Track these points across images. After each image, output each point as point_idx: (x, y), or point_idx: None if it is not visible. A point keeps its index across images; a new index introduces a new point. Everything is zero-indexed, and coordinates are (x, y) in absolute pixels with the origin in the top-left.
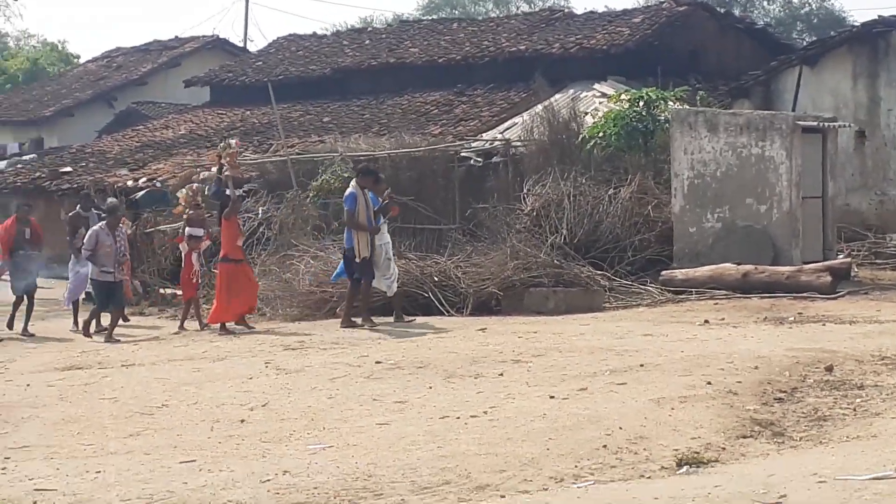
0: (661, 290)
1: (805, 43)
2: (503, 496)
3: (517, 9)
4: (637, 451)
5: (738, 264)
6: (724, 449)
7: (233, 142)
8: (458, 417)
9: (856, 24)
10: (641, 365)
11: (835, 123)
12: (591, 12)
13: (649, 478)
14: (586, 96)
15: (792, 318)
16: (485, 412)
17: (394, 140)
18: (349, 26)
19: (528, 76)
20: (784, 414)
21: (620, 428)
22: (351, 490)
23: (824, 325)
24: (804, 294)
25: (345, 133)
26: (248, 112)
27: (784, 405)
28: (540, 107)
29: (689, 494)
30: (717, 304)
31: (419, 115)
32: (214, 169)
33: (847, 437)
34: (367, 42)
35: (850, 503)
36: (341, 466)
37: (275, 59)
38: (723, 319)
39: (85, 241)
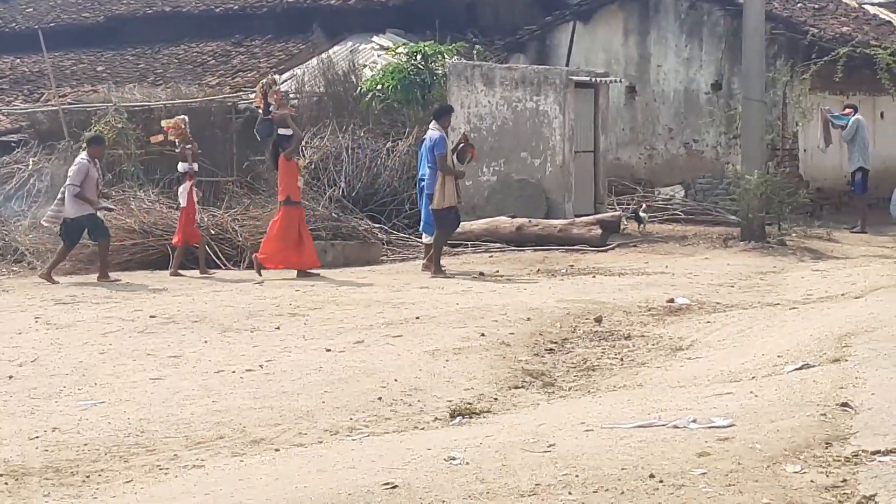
0: None
1: None
2: (277, 449)
3: None
4: (411, 402)
5: (513, 217)
6: (496, 399)
7: (278, 78)
8: (234, 371)
9: None
10: (417, 317)
11: (606, 79)
12: None
13: (423, 429)
14: (365, 49)
15: (564, 271)
16: (260, 366)
17: (170, 90)
18: None
19: (306, 28)
20: (554, 364)
21: (395, 380)
22: (123, 446)
23: (594, 277)
24: (576, 247)
25: (119, 83)
26: (18, 60)
27: (555, 356)
28: (315, 59)
29: (460, 445)
30: (492, 256)
31: (196, 66)
32: (259, 107)
33: (614, 386)
34: None
35: (614, 450)
36: (113, 422)
37: (46, 6)
38: (497, 271)
39: (73, 174)
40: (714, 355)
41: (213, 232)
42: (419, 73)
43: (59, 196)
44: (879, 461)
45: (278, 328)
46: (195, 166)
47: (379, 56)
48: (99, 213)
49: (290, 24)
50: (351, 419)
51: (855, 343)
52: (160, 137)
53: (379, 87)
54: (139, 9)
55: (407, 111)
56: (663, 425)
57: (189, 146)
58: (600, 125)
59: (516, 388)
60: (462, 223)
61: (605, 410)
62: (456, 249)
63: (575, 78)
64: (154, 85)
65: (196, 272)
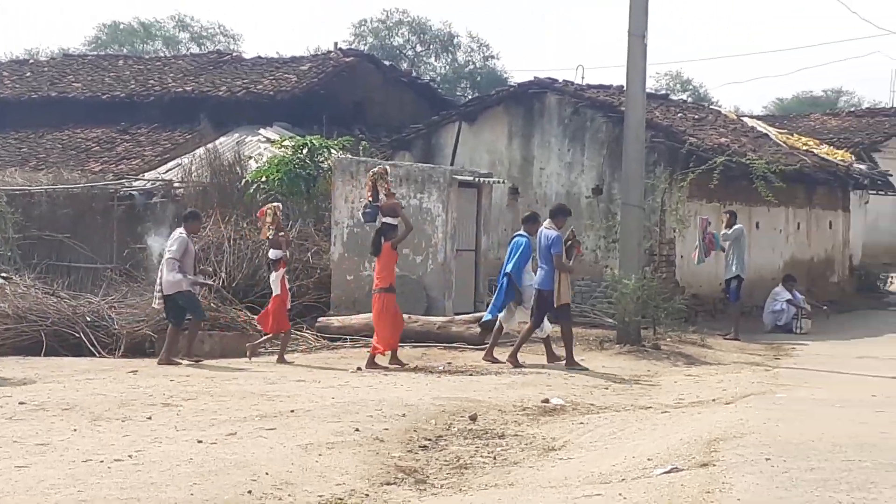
0: (318, 336)
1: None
2: None
3: (187, 50)
4: (282, 496)
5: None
6: (367, 496)
7: (388, 167)
8: (102, 461)
9: (514, 84)
10: (292, 410)
11: (490, 179)
12: (260, 57)
13: None
14: (251, 140)
15: (441, 368)
16: (129, 456)
17: (52, 175)
18: (12, 57)
19: (193, 117)
20: (428, 461)
21: (267, 473)
22: None
23: (471, 375)
24: (454, 344)
25: (0, 166)
26: None
27: (428, 452)
28: (202, 149)
29: None
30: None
31: (80, 151)
32: (368, 195)
33: (486, 485)
34: (29, 74)
35: None
36: None
37: None
38: (375, 368)
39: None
40: (586, 456)
41: (88, 319)
42: (304, 166)
43: None
44: None
45: (150, 418)
46: (287, 254)
47: (265, 148)
48: None
49: (177, 114)
50: None
51: (723, 448)
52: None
53: (264, 178)
54: (24, 93)
55: (291, 203)
56: None
57: (282, 234)
58: (482, 224)
59: (388, 484)
60: (342, 318)
61: None
62: (335, 344)
63: (459, 177)
64: (36, 169)
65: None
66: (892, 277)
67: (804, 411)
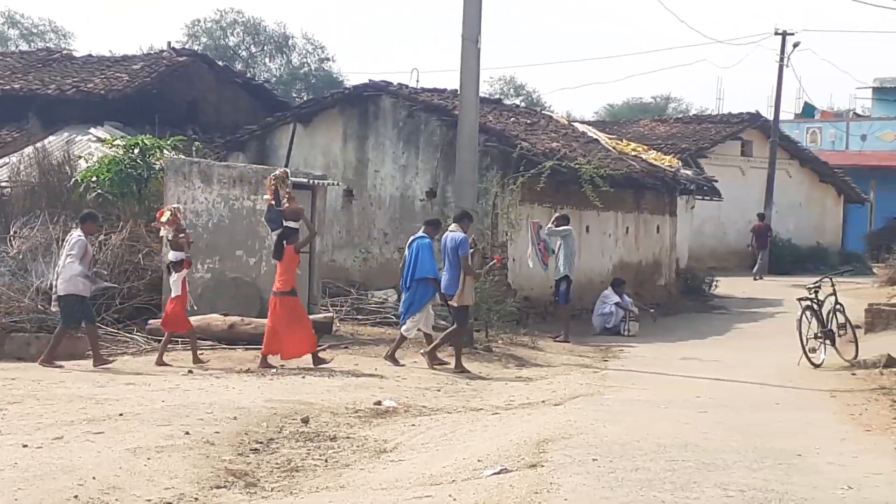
0: (148, 338)
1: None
2: None
3: (16, 47)
4: (109, 501)
5: (226, 315)
6: (196, 499)
7: (289, 171)
8: None
9: (349, 86)
10: (121, 414)
11: (324, 181)
12: (91, 56)
13: None
14: (81, 140)
15: (274, 370)
16: None
17: None
18: None
19: (21, 116)
20: (258, 464)
21: (94, 478)
22: None
23: (304, 377)
24: None
25: None
26: None
27: (259, 456)
28: (31, 148)
29: None
30: (202, 354)
31: None
32: (270, 200)
33: (317, 487)
34: None
35: None
36: None
37: None
38: (207, 370)
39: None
40: (417, 458)
41: None
42: (136, 166)
43: None
44: None
45: None
46: (189, 255)
47: (96, 148)
48: None
49: (4, 112)
50: None
51: (552, 449)
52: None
53: (94, 178)
54: None
55: (122, 204)
56: None
57: (182, 235)
58: (316, 227)
59: (218, 487)
60: None
61: None
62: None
63: (293, 179)
64: None
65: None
66: (716, 281)
67: (630, 412)
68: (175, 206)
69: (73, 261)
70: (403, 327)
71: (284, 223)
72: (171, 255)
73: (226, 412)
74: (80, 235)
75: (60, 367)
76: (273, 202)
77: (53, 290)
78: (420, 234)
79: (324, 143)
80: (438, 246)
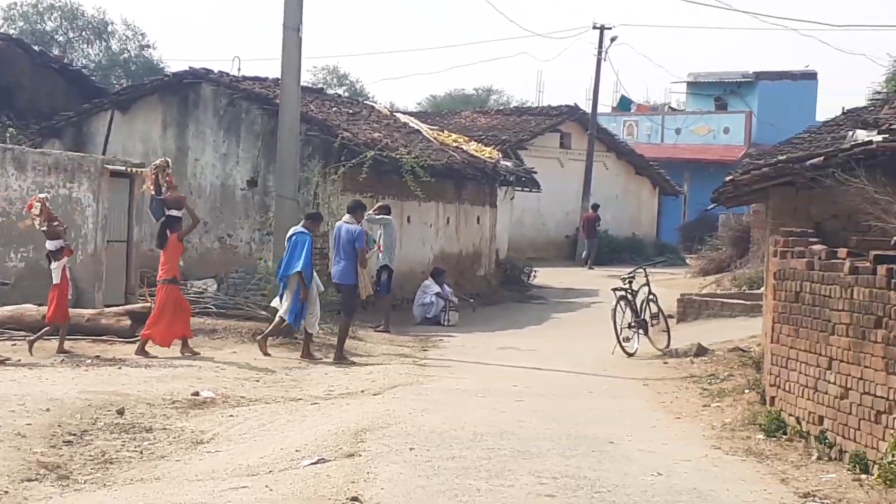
0: None
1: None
2: None
3: None
4: None
5: (39, 305)
6: (6, 493)
7: (169, 160)
8: None
9: (169, 73)
10: None
11: (142, 169)
12: None
13: None
14: None
15: (90, 361)
16: None
17: None
18: None
19: None
20: (72, 457)
21: None
22: None
23: (121, 368)
24: (104, 337)
25: None
26: None
27: (73, 448)
28: None
29: None
30: (15, 344)
31: None
32: (151, 189)
33: (131, 479)
34: None
35: None
36: None
37: None
38: (20, 360)
39: None
40: (235, 449)
41: None
42: None
43: None
44: None
45: None
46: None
47: None
48: None
49: None
50: None
51: (370, 439)
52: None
53: None
54: None
55: None
56: None
57: (56, 223)
58: (135, 215)
59: (29, 480)
60: None
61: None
62: None
63: (110, 167)
64: None
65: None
66: (535, 271)
67: (448, 401)
68: (42, 195)
69: None
70: (308, 325)
71: (166, 212)
72: (50, 245)
73: (38, 404)
74: None
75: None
76: (154, 192)
77: None
78: (300, 227)
79: (143, 130)
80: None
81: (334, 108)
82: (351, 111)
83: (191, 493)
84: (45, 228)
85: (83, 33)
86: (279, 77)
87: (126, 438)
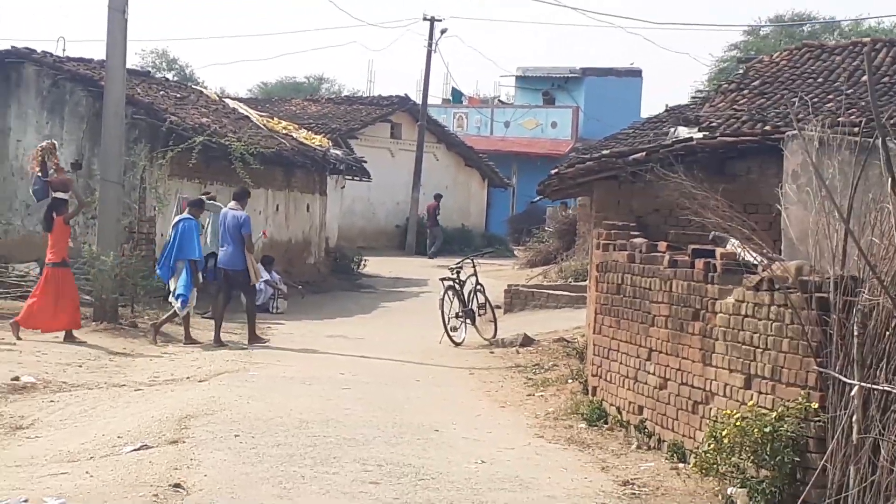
0: None
1: None
2: None
3: None
4: None
5: None
6: None
7: (56, 143)
8: None
9: None
10: None
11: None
12: None
13: None
14: None
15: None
16: None
17: None
18: None
19: None
20: None
21: None
22: None
23: None
24: None
25: None
26: None
27: None
28: None
29: None
30: None
31: None
32: (36, 170)
33: None
34: None
35: None
36: None
37: None
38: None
39: None
40: (55, 435)
41: None
42: None
43: None
44: None
45: None
46: None
47: None
48: None
49: None
50: None
51: (194, 425)
52: None
53: None
54: None
55: None
56: None
57: None
58: None
59: None
60: None
61: None
62: None
63: None
64: None
65: None
66: (365, 260)
67: (275, 388)
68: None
69: None
70: (181, 307)
71: (53, 194)
72: None
73: None
74: None
75: None
76: (40, 173)
77: None
78: (186, 215)
79: None
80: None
81: (162, 92)
82: (179, 95)
83: (8, 479)
84: None
85: None
86: (105, 59)
87: None
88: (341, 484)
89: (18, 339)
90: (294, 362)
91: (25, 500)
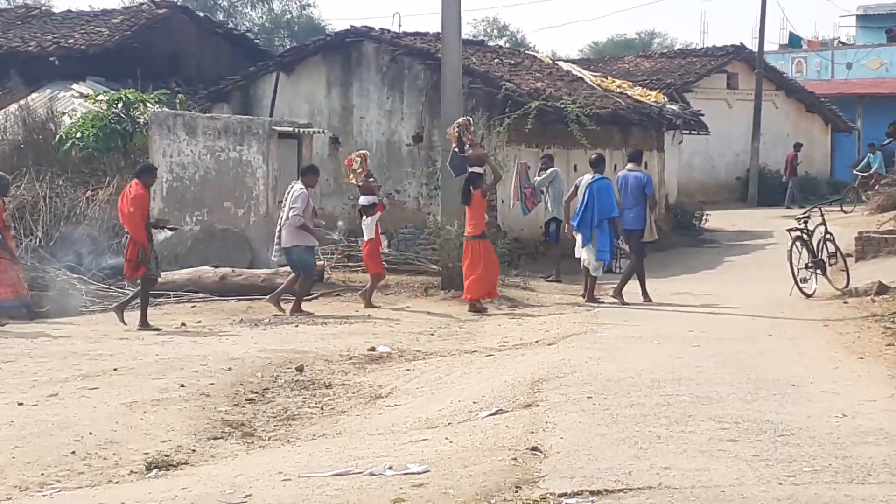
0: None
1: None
2: None
3: None
4: (107, 456)
5: (216, 267)
6: (194, 451)
7: (471, 119)
8: None
9: (331, 33)
10: (115, 369)
11: (309, 129)
12: (70, 11)
13: (118, 483)
14: (64, 96)
15: (267, 320)
16: None
17: None
18: None
19: (3, 74)
20: (255, 414)
21: (91, 433)
22: None
23: (297, 326)
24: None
25: None
26: None
27: (255, 405)
28: (15, 106)
29: (155, 497)
30: (194, 306)
31: None
32: (454, 146)
33: (314, 435)
34: None
35: (311, 499)
36: None
37: None
38: (199, 322)
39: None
40: (412, 402)
41: None
42: (120, 121)
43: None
44: (566, 503)
45: None
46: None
47: (79, 104)
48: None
49: None
50: (42, 474)
51: (546, 389)
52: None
53: (79, 134)
54: None
55: (108, 159)
56: (360, 473)
57: (372, 179)
58: None
59: (215, 438)
60: (164, 273)
61: (303, 459)
62: (158, 300)
63: (278, 128)
64: None
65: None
66: (706, 215)
67: (624, 349)
68: (361, 151)
69: (297, 213)
70: (598, 266)
71: (469, 169)
72: (364, 200)
73: (220, 363)
74: (301, 188)
75: (310, 314)
76: (457, 148)
77: (276, 242)
78: (598, 175)
79: (307, 91)
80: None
81: (496, 60)
82: (513, 62)
83: (373, 447)
84: (360, 184)
85: None
86: (439, 31)
87: (306, 395)
88: (698, 442)
89: (482, 311)
90: (641, 321)
91: (390, 467)
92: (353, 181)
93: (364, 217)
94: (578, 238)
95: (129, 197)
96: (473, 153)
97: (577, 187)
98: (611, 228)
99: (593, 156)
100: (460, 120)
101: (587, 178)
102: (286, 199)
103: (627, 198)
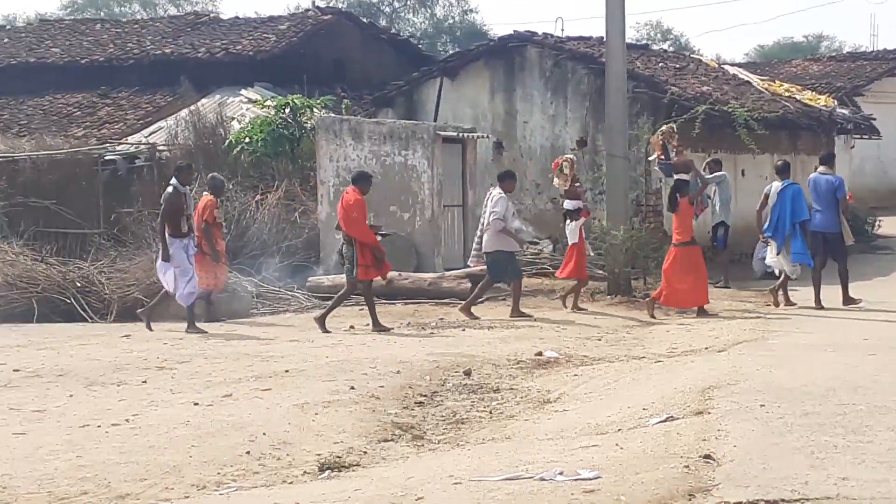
0: (309, 295)
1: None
2: None
3: (164, 12)
4: (280, 456)
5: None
6: (365, 453)
7: (674, 126)
8: (99, 426)
9: (494, 38)
10: (287, 371)
11: (474, 134)
12: (238, 18)
13: (291, 483)
14: (233, 102)
15: (434, 324)
16: (127, 420)
17: (34, 142)
18: None
19: (173, 80)
20: (424, 417)
21: (264, 434)
22: None
23: (464, 330)
24: (446, 300)
25: None
26: None
27: (424, 409)
28: (186, 111)
29: (328, 498)
30: (362, 310)
31: (61, 117)
32: (659, 154)
33: (483, 438)
34: (7, 41)
35: (482, 503)
36: None
37: None
38: (367, 325)
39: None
40: (581, 408)
41: (78, 284)
42: (288, 126)
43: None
44: None
45: (145, 382)
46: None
47: (247, 109)
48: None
49: (157, 77)
50: (218, 474)
51: (717, 396)
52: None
53: (248, 139)
54: (2, 59)
55: (276, 164)
56: (531, 478)
57: (577, 184)
58: (468, 180)
59: (385, 441)
60: (332, 277)
61: (473, 463)
62: (326, 303)
63: (443, 133)
64: (18, 136)
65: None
66: (879, 221)
67: (796, 356)
68: (569, 156)
69: (498, 216)
70: (793, 270)
71: (675, 176)
72: (569, 204)
73: (389, 366)
74: (500, 193)
75: (476, 318)
76: (662, 156)
77: (476, 246)
78: (787, 181)
79: (471, 95)
80: None
81: (660, 64)
82: (677, 66)
83: (542, 452)
84: (566, 188)
85: (408, 2)
86: (602, 36)
87: (475, 399)
88: (877, 453)
89: (652, 317)
90: (813, 329)
91: (560, 472)
92: (559, 185)
93: (569, 222)
94: (772, 245)
95: (348, 203)
96: (679, 160)
97: (766, 196)
98: (802, 231)
99: (779, 162)
100: (664, 128)
101: (776, 185)
102: (485, 205)
103: (818, 200)
